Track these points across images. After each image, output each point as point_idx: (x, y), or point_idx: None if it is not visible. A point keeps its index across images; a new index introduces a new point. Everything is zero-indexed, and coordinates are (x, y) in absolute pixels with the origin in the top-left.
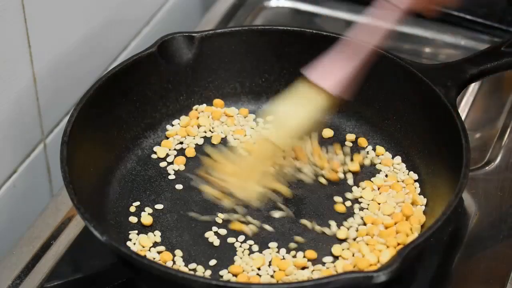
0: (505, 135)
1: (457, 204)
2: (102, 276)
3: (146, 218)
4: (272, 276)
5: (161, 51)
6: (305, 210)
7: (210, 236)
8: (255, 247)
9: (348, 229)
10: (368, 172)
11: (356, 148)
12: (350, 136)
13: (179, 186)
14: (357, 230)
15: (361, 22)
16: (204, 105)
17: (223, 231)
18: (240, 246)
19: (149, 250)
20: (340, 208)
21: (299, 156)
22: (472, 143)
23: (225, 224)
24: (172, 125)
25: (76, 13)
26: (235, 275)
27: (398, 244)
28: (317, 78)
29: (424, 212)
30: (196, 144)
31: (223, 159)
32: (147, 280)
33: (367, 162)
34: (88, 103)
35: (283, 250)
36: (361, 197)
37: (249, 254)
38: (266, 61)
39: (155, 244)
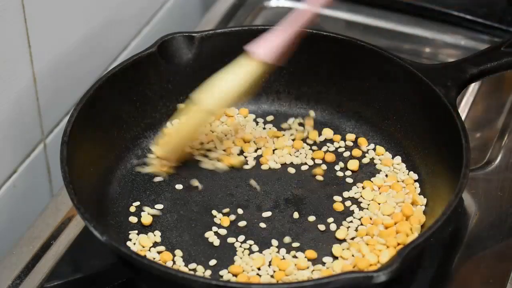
0: (505, 135)
1: (457, 204)
2: (102, 276)
3: (146, 218)
4: (272, 276)
5: (161, 51)
6: (305, 210)
7: (210, 236)
8: (255, 247)
9: (347, 229)
10: (368, 172)
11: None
12: (350, 136)
13: (179, 186)
14: (356, 230)
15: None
16: None
17: (223, 231)
18: (240, 246)
19: (149, 250)
20: (340, 208)
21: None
22: (472, 143)
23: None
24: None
25: (76, 13)
26: (235, 275)
27: (398, 244)
28: (253, 47)
29: (424, 212)
30: None
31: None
32: (147, 280)
33: (366, 161)
34: (88, 103)
35: (283, 250)
36: (361, 197)
37: (249, 254)
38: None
39: (155, 244)
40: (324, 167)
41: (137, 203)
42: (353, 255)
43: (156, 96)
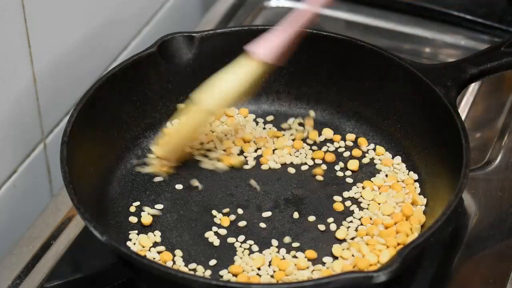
0: (505, 135)
1: (457, 204)
2: (102, 276)
3: (146, 218)
4: (272, 276)
5: (161, 51)
6: (305, 210)
7: (210, 236)
8: (255, 247)
9: (347, 229)
10: (368, 172)
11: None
12: (350, 136)
13: (179, 186)
14: (356, 230)
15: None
16: None
17: (223, 231)
18: (240, 246)
19: (149, 250)
20: (340, 208)
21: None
22: (472, 143)
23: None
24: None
25: (76, 13)
26: (235, 275)
27: (398, 244)
28: (252, 47)
29: (424, 212)
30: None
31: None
32: (147, 280)
33: (366, 161)
34: (88, 103)
35: (283, 250)
36: (361, 197)
37: (249, 254)
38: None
39: (155, 244)
40: (324, 167)
41: (137, 203)
42: (353, 255)
43: (156, 96)
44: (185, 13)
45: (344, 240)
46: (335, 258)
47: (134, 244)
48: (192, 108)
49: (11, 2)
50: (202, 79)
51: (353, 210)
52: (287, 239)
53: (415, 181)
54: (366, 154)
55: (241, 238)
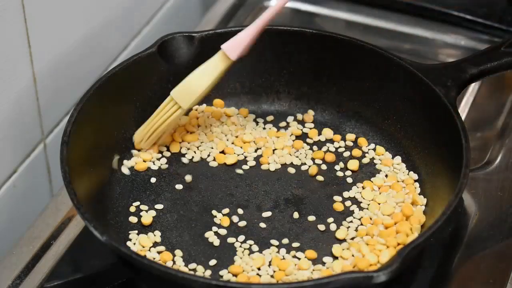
0: (505, 135)
1: (457, 204)
2: (102, 276)
3: (146, 218)
4: (272, 276)
5: (161, 51)
6: (305, 210)
7: (210, 236)
8: (255, 247)
9: (347, 229)
10: (368, 172)
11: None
12: (350, 136)
13: (179, 186)
14: (356, 230)
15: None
16: (204, 105)
17: (223, 231)
18: (240, 246)
19: (149, 250)
20: (340, 208)
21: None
22: (472, 143)
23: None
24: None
25: (76, 13)
26: (235, 275)
27: (398, 244)
28: (226, 46)
29: (424, 212)
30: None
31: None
32: (147, 280)
33: (366, 161)
34: (88, 103)
35: (283, 250)
36: (361, 197)
37: (249, 254)
38: (266, 61)
39: (155, 244)
40: (323, 167)
41: (137, 203)
42: (353, 255)
43: (156, 96)
44: (185, 13)
45: (344, 240)
46: (335, 258)
47: (134, 244)
48: (168, 103)
49: (11, 2)
50: None
51: (353, 210)
52: (287, 239)
53: (415, 181)
54: (366, 154)
55: (241, 238)
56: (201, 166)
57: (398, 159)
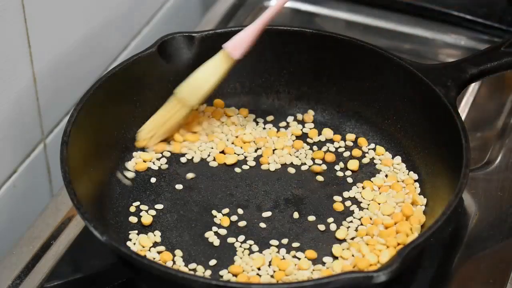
0: (505, 135)
1: (457, 204)
2: (102, 276)
3: (146, 218)
4: (272, 276)
5: (161, 51)
6: (305, 210)
7: (210, 236)
8: (255, 247)
9: (347, 229)
10: (368, 172)
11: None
12: (350, 136)
13: (179, 186)
14: (356, 230)
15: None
16: (204, 105)
17: (223, 231)
18: (240, 246)
19: (149, 250)
20: (340, 208)
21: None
22: (472, 143)
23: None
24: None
25: (76, 13)
26: (235, 275)
27: (398, 244)
28: (227, 46)
29: (424, 212)
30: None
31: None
32: (147, 280)
33: (366, 161)
34: (88, 103)
35: (283, 250)
36: (361, 197)
37: (249, 254)
38: (266, 61)
39: (155, 244)
40: (324, 167)
41: (137, 203)
42: (353, 255)
43: (156, 96)
44: (185, 13)
45: (344, 240)
46: (335, 258)
47: (134, 244)
48: (174, 101)
49: (11, 2)
50: None
51: (353, 210)
52: (287, 239)
53: (415, 181)
54: (366, 154)
55: (241, 238)
56: (201, 166)
57: (398, 159)
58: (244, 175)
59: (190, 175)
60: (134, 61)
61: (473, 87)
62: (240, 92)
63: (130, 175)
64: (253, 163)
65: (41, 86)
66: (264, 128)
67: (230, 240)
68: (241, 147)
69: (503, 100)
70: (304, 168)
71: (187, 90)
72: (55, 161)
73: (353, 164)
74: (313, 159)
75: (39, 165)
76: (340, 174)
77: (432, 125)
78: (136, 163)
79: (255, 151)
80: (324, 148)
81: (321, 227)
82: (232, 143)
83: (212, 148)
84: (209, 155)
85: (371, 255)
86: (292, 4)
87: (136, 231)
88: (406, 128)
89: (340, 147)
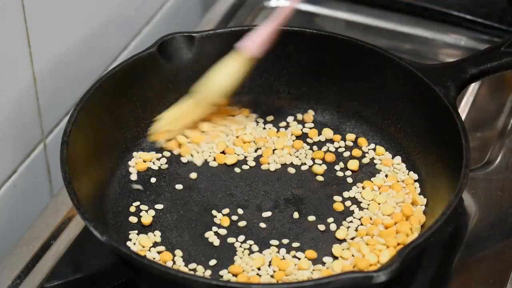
0: (505, 135)
1: (457, 204)
2: (102, 276)
3: (146, 218)
4: (272, 276)
5: (161, 51)
6: (305, 210)
7: (210, 236)
8: (255, 247)
9: (347, 229)
10: (368, 172)
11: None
12: (350, 136)
13: (179, 186)
14: (356, 230)
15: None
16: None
17: (223, 231)
18: (240, 246)
19: (149, 250)
20: (340, 208)
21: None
22: (472, 143)
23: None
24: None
25: (76, 13)
26: (235, 275)
27: (398, 244)
28: (242, 44)
29: (424, 212)
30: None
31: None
32: (147, 280)
33: (366, 161)
34: (88, 103)
35: (283, 250)
36: (361, 197)
37: (249, 254)
38: (266, 61)
39: (155, 244)
40: (324, 167)
41: (137, 203)
42: (353, 255)
43: (156, 96)
44: (185, 13)
45: (344, 240)
46: (335, 258)
47: (134, 244)
48: (191, 100)
49: (11, 2)
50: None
51: (353, 210)
52: (287, 239)
53: (415, 181)
54: (366, 154)
55: (241, 238)
56: (201, 166)
57: (398, 159)
58: (244, 175)
59: (190, 175)
60: (134, 61)
61: (473, 87)
62: (240, 92)
63: (134, 177)
64: (253, 163)
65: (41, 86)
66: (264, 128)
67: (230, 240)
68: (241, 147)
69: (503, 100)
70: (304, 168)
71: (205, 89)
72: (55, 161)
73: (353, 164)
74: (313, 159)
75: (39, 165)
76: (340, 174)
77: (432, 125)
78: (136, 163)
79: (255, 151)
80: (324, 148)
81: (321, 227)
82: (233, 143)
83: (213, 148)
84: (209, 155)
85: (371, 255)
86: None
87: (136, 231)
88: (406, 128)
89: (340, 147)
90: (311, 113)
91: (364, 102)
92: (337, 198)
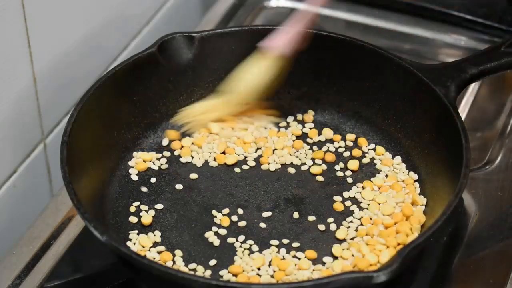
0: (505, 135)
1: (457, 204)
2: (102, 276)
3: (146, 218)
4: (272, 276)
5: (161, 51)
6: (305, 210)
7: (210, 236)
8: (255, 247)
9: (347, 229)
10: (368, 172)
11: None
12: (350, 136)
13: (179, 186)
14: (356, 230)
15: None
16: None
17: (223, 231)
18: (240, 246)
19: (149, 250)
20: (340, 208)
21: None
22: (472, 143)
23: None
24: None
25: (76, 13)
26: (235, 275)
27: (398, 244)
28: (267, 43)
29: (424, 212)
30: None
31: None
32: (147, 280)
33: (366, 161)
34: (88, 103)
35: (283, 250)
36: (361, 197)
37: (249, 254)
38: None
39: (155, 244)
40: (324, 167)
41: (137, 203)
42: (353, 255)
43: (156, 96)
44: (185, 13)
45: (344, 240)
46: (335, 258)
47: (134, 244)
48: (217, 99)
49: (11, 2)
50: (202, 79)
51: (353, 210)
52: (287, 239)
53: (415, 181)
54: (366, 154)
55: (241, 238)
56: (201, 166)
57: (398, 159)
58: (244, 175)
59: (190, 175)
60: (134, 61)
61: (473, 87)
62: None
63: (135, 178)
64: (253, 163)
65: (41, 86)
66: (264, 128)
67: (230, 240)
68: (242, 147)
69: (503, 100)
70: (304, 168)
71: (233, 86)
72: (55, 161)
73: (353, 164)
74: (313, 159)
75: (39, 165)
76: (340, 174)
77: (432, 125)
78: (136, 163)
79: (255, 151)
80: (324, 148)
81: (321, 227)
82: (233, 143)
83: (213, 148)
84: (209, 155)
85: (371, 255)
86: (292, 4)
87: (136, 231)
88: (406, 128)
89: (340, 147)
90: (311, 113)
91: (364, 102)
92: (337, 198)
